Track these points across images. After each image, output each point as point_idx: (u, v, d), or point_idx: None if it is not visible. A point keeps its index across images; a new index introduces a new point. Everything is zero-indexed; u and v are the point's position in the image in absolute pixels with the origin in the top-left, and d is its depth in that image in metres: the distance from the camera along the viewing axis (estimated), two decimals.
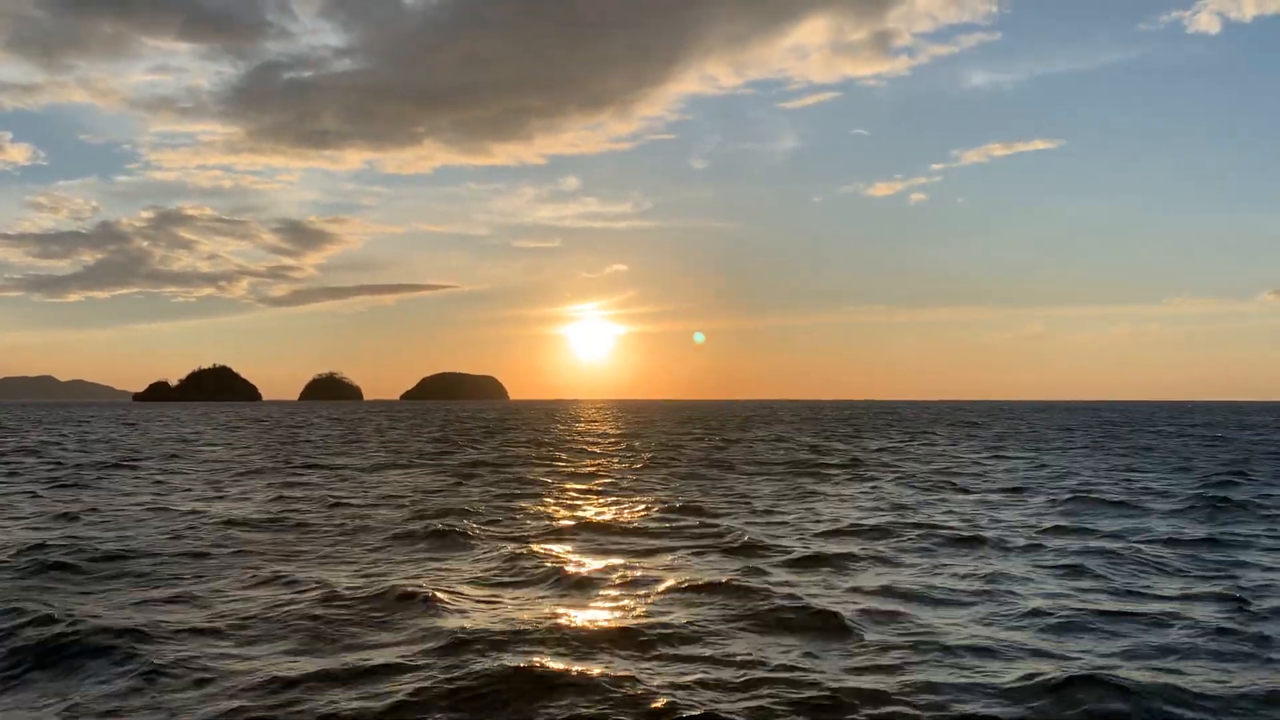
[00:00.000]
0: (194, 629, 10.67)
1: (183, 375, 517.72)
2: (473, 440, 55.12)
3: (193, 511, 21.08)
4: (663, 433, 67.94)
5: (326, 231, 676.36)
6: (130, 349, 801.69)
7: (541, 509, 21.58)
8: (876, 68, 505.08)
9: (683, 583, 12.85)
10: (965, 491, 25.58)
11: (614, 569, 13.96)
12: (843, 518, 20.09)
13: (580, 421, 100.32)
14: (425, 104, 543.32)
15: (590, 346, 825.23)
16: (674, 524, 19.00)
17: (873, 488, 26.75)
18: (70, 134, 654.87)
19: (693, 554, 15.57)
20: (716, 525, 18.72)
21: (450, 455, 41.23)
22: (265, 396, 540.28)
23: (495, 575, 13.79)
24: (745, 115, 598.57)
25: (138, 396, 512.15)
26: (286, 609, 11.49)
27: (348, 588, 12.56)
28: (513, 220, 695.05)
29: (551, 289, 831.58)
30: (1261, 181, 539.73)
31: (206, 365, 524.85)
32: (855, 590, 12.82)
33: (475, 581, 13.35)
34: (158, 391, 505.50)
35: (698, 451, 43.84)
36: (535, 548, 15.70)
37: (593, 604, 11.97)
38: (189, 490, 26.34)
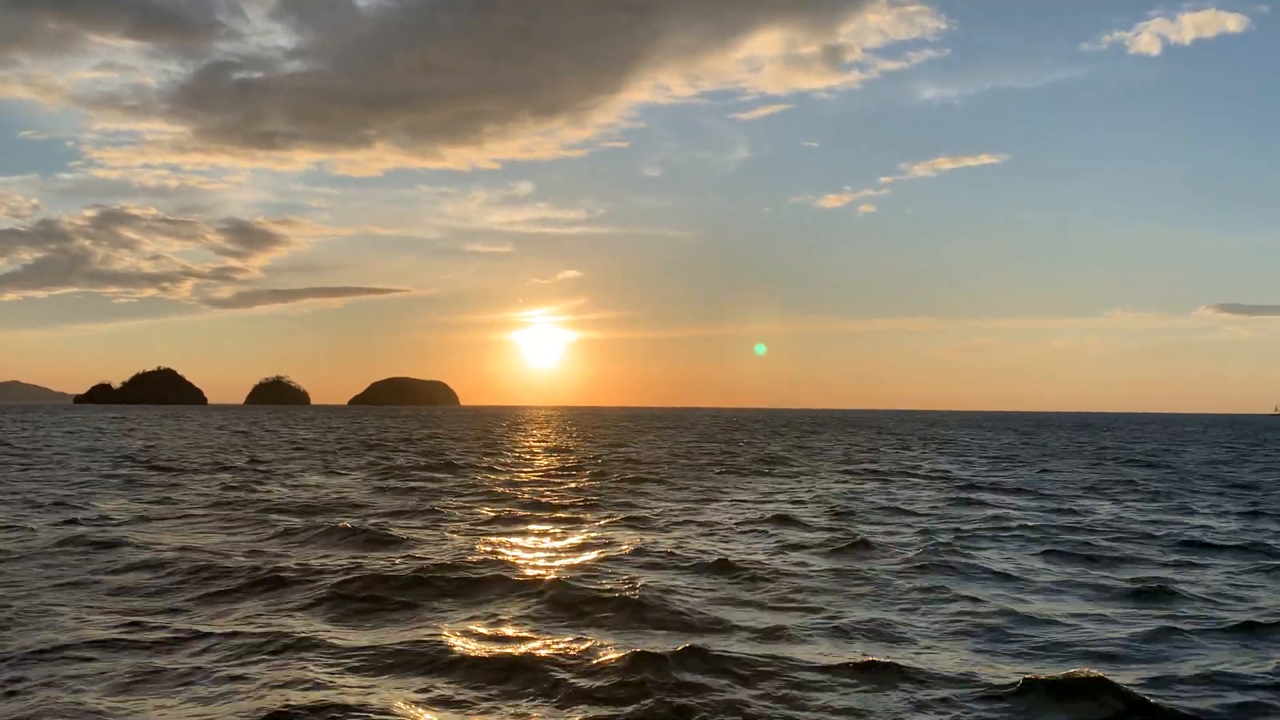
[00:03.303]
0: None
1: (125, 377, 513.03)
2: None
3: None
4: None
5: (274, 233, 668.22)
6: (69, 350, 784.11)
7: None
8: (828, 81, 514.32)
9: None
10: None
11: None
12: None
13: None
14: (376, 107, 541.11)
15: (541, 352, 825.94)
16: None
17: None
18: (11, 130, 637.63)
19: None
20: None
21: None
22: (211, 400, 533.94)
23: None
24: (699, 125, 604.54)
25: (79, 399, 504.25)
26: None
27: None
28: (464, 224, 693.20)
29: (503, 294, 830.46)
30: (1201, 198, 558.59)
31: (149, 368, 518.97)
32: None
33: None
34: (100, 394, 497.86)
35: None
36: None
37: None
38: None
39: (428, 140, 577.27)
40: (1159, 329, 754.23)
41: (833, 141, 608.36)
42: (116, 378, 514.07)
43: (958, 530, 22.10)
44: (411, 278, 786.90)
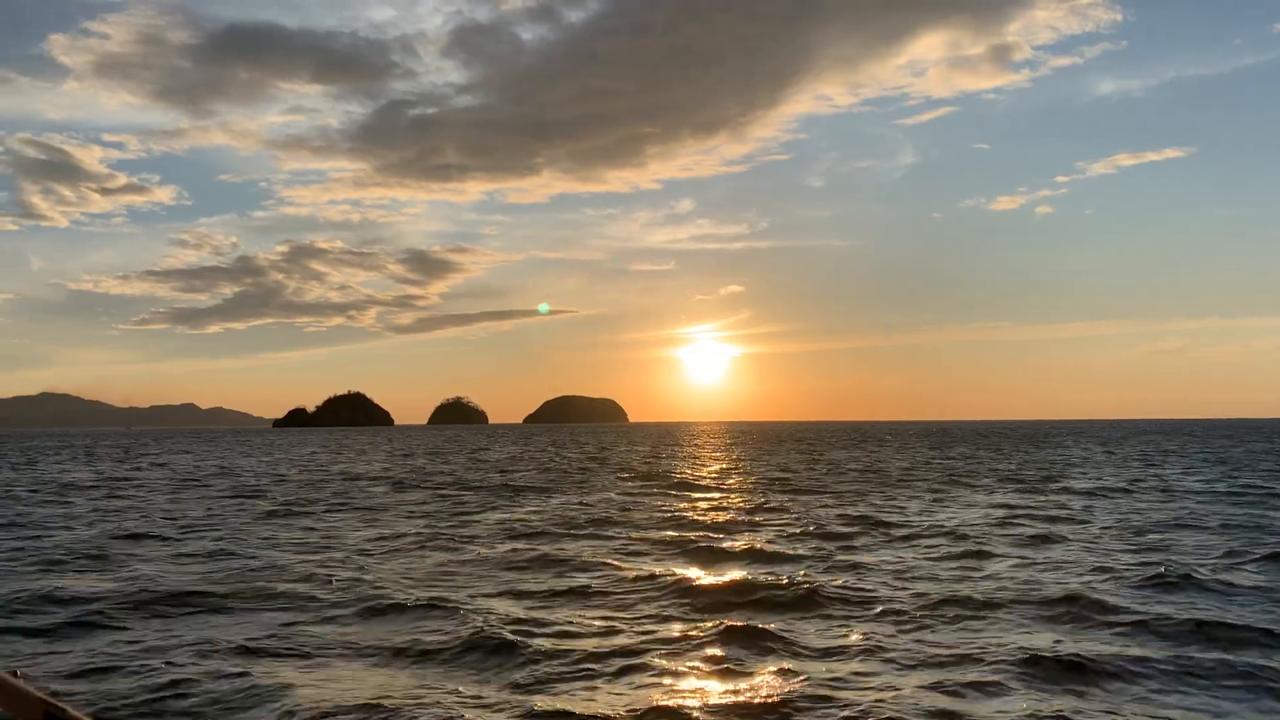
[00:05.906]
0: None
1: (318, 401, 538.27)
2: None
3: None
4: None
5: (450, 260, 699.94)
6: (265, 377, 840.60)
7: None
8: (996, 81, 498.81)
9: None
10: None
11: None
12: None
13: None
14: (542, 135, 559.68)
15: (706, 368, 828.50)
16: None
17: None
18: (211, 174, 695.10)
19: None
20: None
21: None
22: (396, 421, 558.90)
23: None
24: (862, 133, 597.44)
25: (278, 423, 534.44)
26: None
27: None
28: (627, 244, 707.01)
29: (666, 311, 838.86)
30: None
31: (340, 392, 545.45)
32: None
33: None
34: (296, 418, 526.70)
35: None
36: None
37: None
38: None
39: (591, 165, 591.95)
40: None
41: (1004, 142, 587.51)
42: (310, 402, 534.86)
43: None
44: (578, 298, 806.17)
